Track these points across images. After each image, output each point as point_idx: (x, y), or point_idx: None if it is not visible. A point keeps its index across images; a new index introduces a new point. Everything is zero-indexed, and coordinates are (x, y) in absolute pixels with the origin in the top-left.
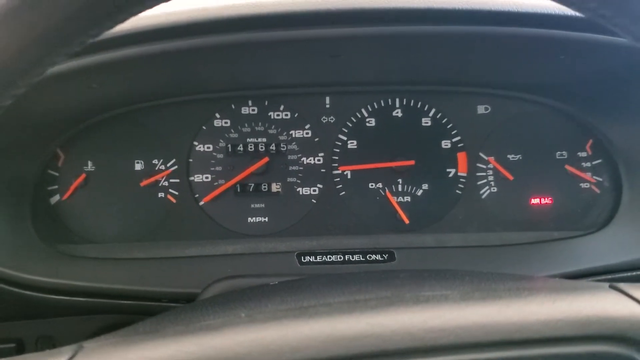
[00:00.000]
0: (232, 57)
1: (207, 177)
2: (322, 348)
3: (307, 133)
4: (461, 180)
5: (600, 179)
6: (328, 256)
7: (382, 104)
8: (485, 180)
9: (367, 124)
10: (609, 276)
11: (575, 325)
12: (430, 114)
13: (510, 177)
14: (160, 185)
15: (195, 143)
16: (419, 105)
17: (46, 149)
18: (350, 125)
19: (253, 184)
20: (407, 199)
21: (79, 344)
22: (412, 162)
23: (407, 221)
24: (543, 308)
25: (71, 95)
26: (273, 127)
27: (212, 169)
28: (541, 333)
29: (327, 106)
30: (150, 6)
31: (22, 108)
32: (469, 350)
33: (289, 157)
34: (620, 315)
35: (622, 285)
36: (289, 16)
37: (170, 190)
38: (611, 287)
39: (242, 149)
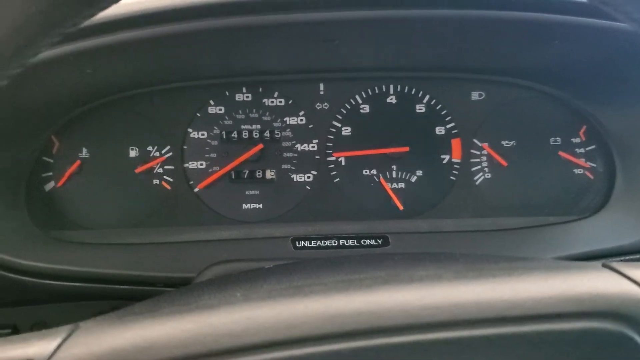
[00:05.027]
0: (226, 41)
1: (201, 164)
2: (317, 325)
3: (301, 120)
4: (455, 166)
5: (594, 165)
6: (323, 241)
7: (377, 91)
8: (479, 167)
9: (362, 111)
10: (603, 260)
11: (568, 302)
12: (425, 101)
13: (504, 163)
14: (155, 172)
15: (190, 130)
16: (413, 92)
17: (41, 136)
18: (345, 111)
19: (247, 171)
20: (402, 185)
21: (76, 324)
22: (406, 149)
23: (401, 207)
24: (536, 285)
25: (65, 81)
26: (267, 114)
27: (207, 155)
28: (534, 310)
29: (321, 93)
30: None
31: (16, 95)
32: (464, 327)
33: (283, 143)
34: (612, 292)
35: (614, 264)
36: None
37: (164, 177)
38: (604, 265)
39: (236, 135)
